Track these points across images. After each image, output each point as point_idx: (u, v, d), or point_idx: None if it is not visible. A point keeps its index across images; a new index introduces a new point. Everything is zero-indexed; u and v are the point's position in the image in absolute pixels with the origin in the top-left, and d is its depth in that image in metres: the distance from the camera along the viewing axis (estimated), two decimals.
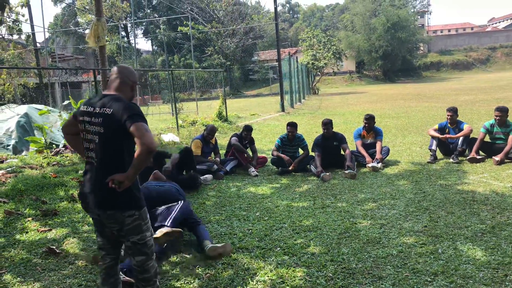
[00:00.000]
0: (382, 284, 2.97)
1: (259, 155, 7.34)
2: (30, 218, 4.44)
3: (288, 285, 3.03)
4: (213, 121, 12.48)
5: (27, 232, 4.12)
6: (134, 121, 2.43)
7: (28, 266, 3.41)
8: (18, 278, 3.19)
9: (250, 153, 7.15)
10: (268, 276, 3.19)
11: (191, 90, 27.99)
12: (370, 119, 7.07)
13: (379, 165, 6.59)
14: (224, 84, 15.12)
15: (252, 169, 6.71)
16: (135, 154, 2.40)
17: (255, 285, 3.07)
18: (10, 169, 6.22)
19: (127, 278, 3.00)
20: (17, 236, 4.03)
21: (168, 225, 3.63)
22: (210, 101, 20.93)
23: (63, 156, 7.22)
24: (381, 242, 3.72)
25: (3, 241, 3.92)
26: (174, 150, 7.50)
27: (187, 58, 44.96)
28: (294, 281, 3.10)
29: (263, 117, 16.06)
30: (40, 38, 51.39)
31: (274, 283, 3.08)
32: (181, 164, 6.03)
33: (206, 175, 6.14)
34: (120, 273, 2.83)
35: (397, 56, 47.65)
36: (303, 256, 3.53)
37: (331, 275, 3.18)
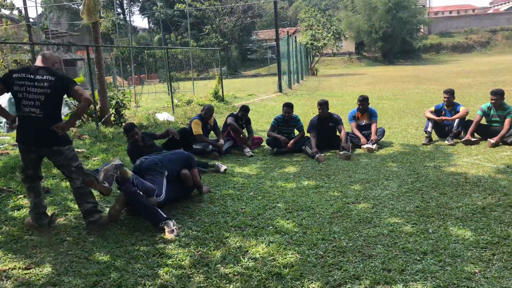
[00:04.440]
0: (372, 262, 3.00)
1: (254, 135, 7.31)
2: (22, 196, 4.43)
3: (279, 263, 3.05)
4: (209, 100, 12.40)
5: (19, 209, 4.12)
6: (74, 85, 3.55)
7: (19, 243, 3.42)
8: (10, 255, 3.19)
9: (246, 134, 7.12)
10: (259, 254, 3.21)
11: (187, 69, 27.72)
12: (364, 101, 7.03)
13: (374, 146, 6.59)
14: (221, 64, 14.95)
15: (248, 149, 6.69)
16: (79, 107, 3.56)
17: (246, 262, 3.09)
18: (2, 146, 6.19)
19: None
20: (9, 213, 4.03)
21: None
22: (207, 80, 20.76)
23: None
24: (372, 222, 3.74)
25: None
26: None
27: (184, 36, 44.34)
28: (285, 258, 3.12)
29: (260, 98, 15.97)
30: (32, 13, 50.28)
31: (265, 261, 3.10)
32: (178, 146, 5.96)
33: (219, 165, 5.78)
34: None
35: (397, 38, 47.08)
36: (295, 234, 3.55)
37: (321, 253, 3.20)
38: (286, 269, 2.96)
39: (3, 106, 5.85)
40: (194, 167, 4.63)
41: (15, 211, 4.09)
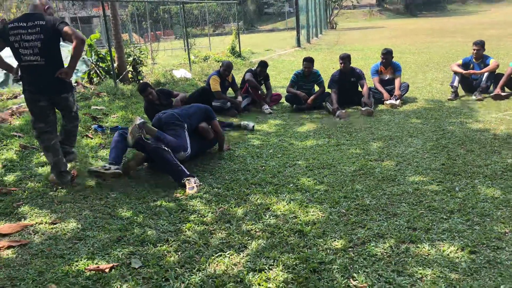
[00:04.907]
0: (396, 221, 2.94)
1: (273, 92, 7.16)
2: None
3: (300, 220, 3.02)
4: (226, 56, 12.14)
5: (42, 166, 4.17)
6: (64, 25, 3.47)
7: (44, 198, 3.47)
8: (36, 210, 3.25)
9: (264, 90, 6.97)
10: (280, 211, 3.19)
11: (203, 25, 27.15)
12: (387, 54, 6.75)
13: (398, 102, 6.39)
14: (238, 18, 14.49)
15: (266, 106, 6.57)
16: (72, 47, 3.37)
17: (268, 219, 3.07)
18: (23, 104, 6.21)
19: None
20: (34, 169, 4.09)
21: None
22: (222, 36, 20.29)
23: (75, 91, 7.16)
24: (396, 180, 3.66)
25: (20, 174, 3.97)
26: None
27: None
28: (307, 216, 3.10)
29: (278, 53, 15.57)
30: None
31: (286, 218, 3.08)
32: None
33: (247, 123, 5.69)
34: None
35: None
36: (316, 192, 3.51)
37: (344, 211, 3.15)
38: (308, 226, 2.93)
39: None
40: (213, 119, 4.58)
41: (39, 167, 4.14)
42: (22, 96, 7.07)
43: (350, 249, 2.65)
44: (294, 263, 2.50)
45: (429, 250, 2.55)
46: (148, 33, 26.41)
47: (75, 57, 3.45)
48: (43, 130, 3.67)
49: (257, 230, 2.93)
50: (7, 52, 3.56)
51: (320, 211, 3.17)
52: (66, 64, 3.62)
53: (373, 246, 2.64)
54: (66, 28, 3.43)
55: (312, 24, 21.22)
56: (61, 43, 3.71)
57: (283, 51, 15.98)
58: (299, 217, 3.09)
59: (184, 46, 12.67)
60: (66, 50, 8.87)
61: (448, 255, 2.49)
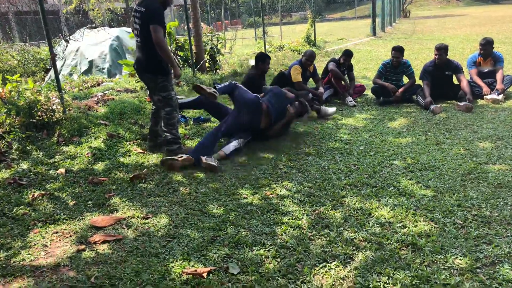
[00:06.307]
0: None
1: (356, 83, 6.72)
2: (130, 142, 4.47)
3: (411, 231, 2.66)
4: (300, 45, 11.77)
5: (129, 156, 4.15)
6: (152, 23, 3.66)
7: (134, 190, 3.41)
8: (127, 202, 3.19)
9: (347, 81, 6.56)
10: (385, 218, 2.85)
11: (271, 14, 26.91)
12: (487, 44, 6.03)
13: (500, 97, 5.69)
14: (312, 6, 14.03)
15: (350, 98, 6.17)
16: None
17: (371, 227, 2.75)
18: (107, 92, 6.35)
19: None
20: (121, 159, 4.07)
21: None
22: (291, 25, 19.89)
23: None
24: None
25: (108, 163, 3.97)
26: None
27: None
28: (417, 226, 2.73)
29: (353, 42, 14.90)
30: None
31: (393, 227, 2.73)
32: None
33: (327, 108, 5.60)
34: None
35: None
36: (423, 198, 3.11)
37: (461, 222, 2.74)
38: (421, 239, 2.57)
39: (105, 52, 6.39)
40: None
41: (126, 157, 4.12)
42: (105, 84, 7.27)
43: (478, 270, 2.26)
44: (413, 282, 2.17)
45: None
46: (215, 23, 26.66)
47: (162, 55, 3.77)
48: (152, 100, 4.23)
49: (361, 239, 2.62)
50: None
51: (432, 221, 2.78)
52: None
53: (507, 269, 2.23)
54: (151, 28, 3.67)
55: (386, 12, 20.12)
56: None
57: (358, 40, 15.26)
58: (408, 227, 2.73)
59: (260, 35, 12.50)
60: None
61: None
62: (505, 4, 38.36)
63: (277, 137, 4.67)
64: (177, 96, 4.25)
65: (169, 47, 7.80)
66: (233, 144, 4.18)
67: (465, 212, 2.88)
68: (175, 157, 3.76)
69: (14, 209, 3.07)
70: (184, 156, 3.79)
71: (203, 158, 3.75)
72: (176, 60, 3.70)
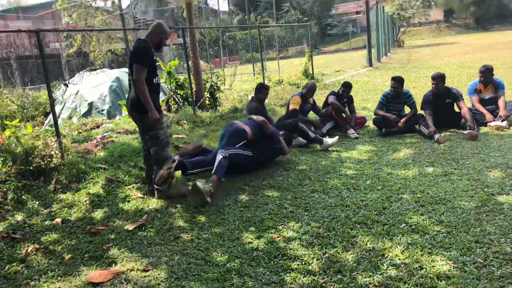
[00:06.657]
0: None
1: (356, 115, 6.66)
2: (130, 186, 4.34)
3: (429, 272, 2.49)
4: (298, 79, 11.84)
5: (129, 201, 4.01)
6: (134, 62, 3.67)
7: (133, 239, 3.25)
8: (126, 253, 3.02)
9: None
10: (399, 259, 2.68)
11: (268, 50, 27.41)
12: (486, 71, 6.01)
13: (504, 123, 5.60)
14: (308, 40, 14.24)
15: (352, 130, 6.09)
16: None
17: (386, 269, 2.58)
18: (106, 134, 6.28)
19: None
20: (120, 205, 3.93)
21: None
22: (288, 59, 20.19)
23: None
24: None
25: (107, 211, 3.83)
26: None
27: (263, 16, 43.92)
28: (435, 266, 2.56)
29: (349, 73, 15.01)
30: (124, 3, 52.96)
31: (410, 268, 2.56)
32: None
33: (328, 139, 5.52)
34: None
35: (493, 0, 41.99)
36: (437, 235, 2.95)
37: (481, 260, 2.58)
38: (441, 281, 2.40)
39: (105, 94, 6.39)
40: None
41: (126, 203, 3.98)
42: (105, 125, 7.21)
43: None
44: None
45: None
46: (214, 59, 27.08)
47: (139, 95, 3.73)
48: (143, 141, 4.18)
49: (377, 284, 2.45)
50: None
51: (450, 260, 2.62)
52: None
53: None
54: (135, 67, 3.68)
55: (381, 42, 20.46)
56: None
57: (355, 72, 15.38)
58: (425, 268, 2.56)
59: (258, 70, 12.62)
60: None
61: None
62: (495, 31, 39.13)
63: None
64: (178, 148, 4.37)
65: (169, 86, 7.84)
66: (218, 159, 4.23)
67: (484, 249, 2.71)
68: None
69: (6, 267, 2.90)
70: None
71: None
72: (153, 103, 3.55)
